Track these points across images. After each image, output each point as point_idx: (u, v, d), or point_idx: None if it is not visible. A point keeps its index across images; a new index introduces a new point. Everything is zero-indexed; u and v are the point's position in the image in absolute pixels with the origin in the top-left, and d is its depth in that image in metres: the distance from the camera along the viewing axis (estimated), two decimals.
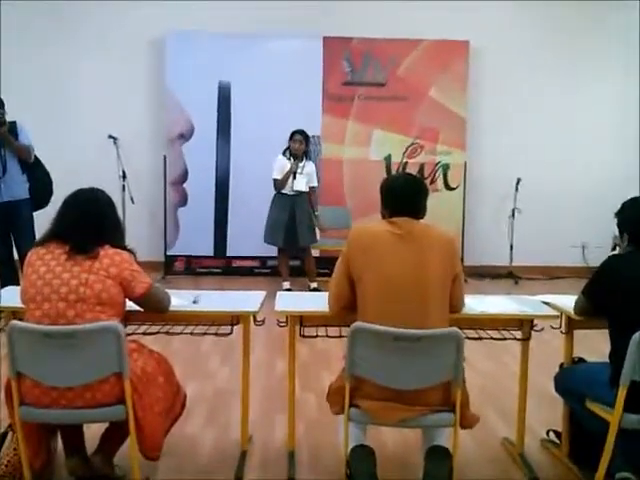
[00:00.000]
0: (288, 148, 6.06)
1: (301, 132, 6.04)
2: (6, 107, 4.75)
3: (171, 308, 2.63)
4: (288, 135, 6.03)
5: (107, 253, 2.36)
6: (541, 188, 7.23)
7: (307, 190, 6.10)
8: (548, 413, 3.25)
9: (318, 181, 6.27)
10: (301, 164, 6.03)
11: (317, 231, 6.27)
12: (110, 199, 2.51)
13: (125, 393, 2.26)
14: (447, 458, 2.33)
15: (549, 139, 7.31)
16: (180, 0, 6.80)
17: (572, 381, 2.70)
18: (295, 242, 6.09)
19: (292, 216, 6.04)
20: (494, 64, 7.19)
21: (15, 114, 4.91)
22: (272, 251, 6.41)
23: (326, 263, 5.98)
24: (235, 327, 2.75)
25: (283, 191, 6.05)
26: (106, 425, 2.56)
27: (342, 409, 2.34)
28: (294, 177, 5.99)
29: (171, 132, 6.93)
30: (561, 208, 7.35)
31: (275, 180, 6.06)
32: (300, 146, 6.01)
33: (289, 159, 6.03)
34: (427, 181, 6.90)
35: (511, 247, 7.13)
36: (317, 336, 2.75)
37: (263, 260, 7.02)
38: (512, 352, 3.46)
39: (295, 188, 6.03)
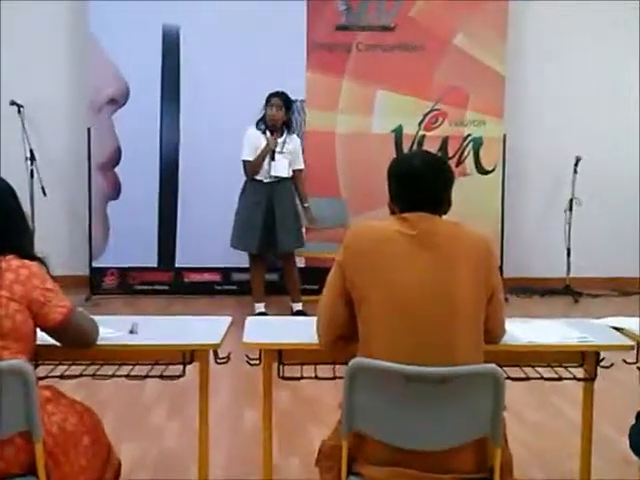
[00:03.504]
0: (263, 118, 6.07)
1: (280, 94, 6.03)
2: None
3: (99, 341, 2.62)
4: (260, 99, 6.02)
5: (10, 266, 2.35)
6: (609, 171, 7.29)
7: (290, 175, 6.12)
8: (620, 477, 3.26)
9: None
10: (281, 139, 6.04)
11: (304, 232, 6.28)
12: (11, 189, 2.49)
13: (37, 460, 2.25)
14: None
15: (620, 104, 7.33)
16: None
17: None
18: (273, 247, 6.11)
19: (270, 211, 6.05)
20: (544, 1, 7.23)
21: None
22: (240, 260, 6.40)
23: (314, 276, 5.99)
24: (188, 367, 2.75)
25: (257, 177, 6.06)
26: None
27: (338, 477, 2.35)
28: (272, 157, 6.00)
29: (97, 96, 6.92)
30: (637, 198, 7.40)
31: (245, 162, 6.06)
32: (278, 113, 6.00)
33: (264, 133, 6.04)
34: (452, 162, 6.94)
35: (568, 252, 7.17)
36: (302, 378, 2.76)
37: (226, 272, 7.03)
38: (571, 397, 3.48)
39: (273, 173, 6.02)
